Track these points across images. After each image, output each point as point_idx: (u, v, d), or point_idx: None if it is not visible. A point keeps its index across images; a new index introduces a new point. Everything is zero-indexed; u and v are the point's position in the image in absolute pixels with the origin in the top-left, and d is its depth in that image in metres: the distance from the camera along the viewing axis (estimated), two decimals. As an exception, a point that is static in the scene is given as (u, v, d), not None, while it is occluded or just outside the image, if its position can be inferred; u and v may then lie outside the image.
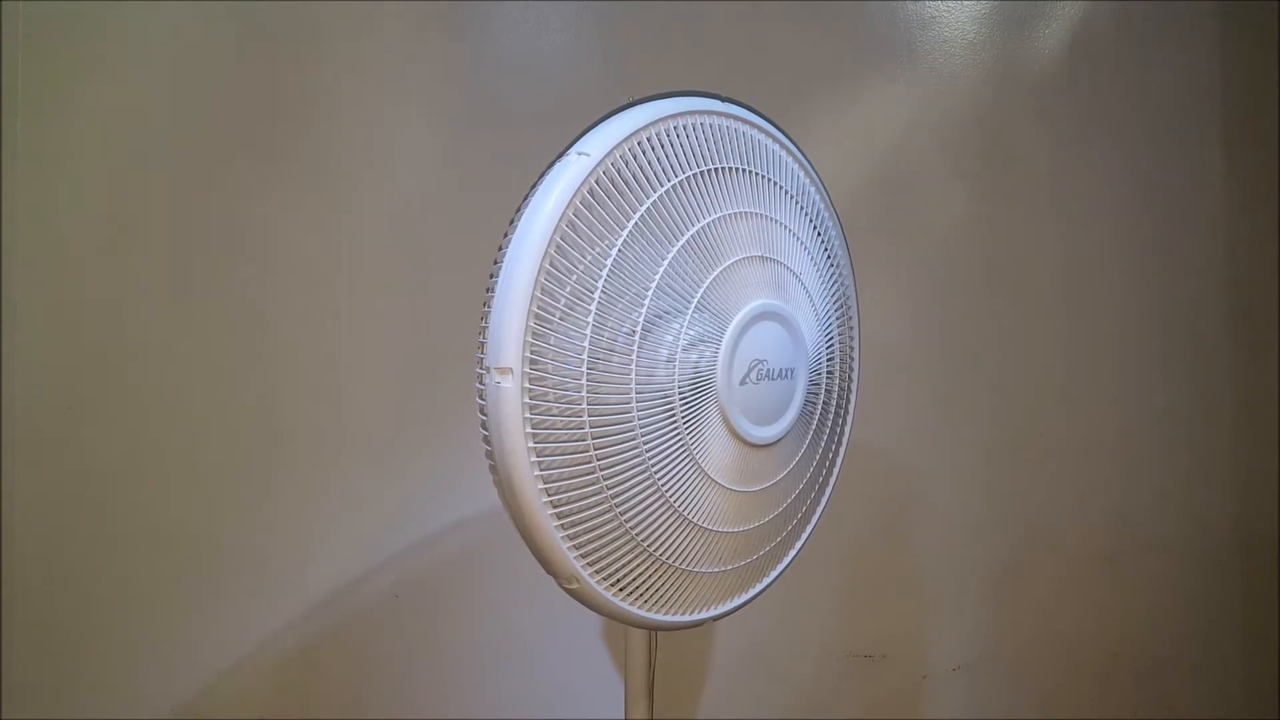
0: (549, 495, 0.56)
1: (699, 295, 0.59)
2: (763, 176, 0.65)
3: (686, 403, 0.59)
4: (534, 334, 0.54)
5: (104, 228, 1.17)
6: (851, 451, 1.10)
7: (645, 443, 0.57)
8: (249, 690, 1.18)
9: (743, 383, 0.60)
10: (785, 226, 0.65)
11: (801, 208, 0.67)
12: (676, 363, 0.58)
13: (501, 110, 1.09)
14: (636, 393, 0.57)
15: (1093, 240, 1.10)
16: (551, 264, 0.55)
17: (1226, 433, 1.11)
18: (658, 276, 0.57)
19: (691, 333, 0.58)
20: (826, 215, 0.71)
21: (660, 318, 0.58)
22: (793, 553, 0.73)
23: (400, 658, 1.17)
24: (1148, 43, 1.08)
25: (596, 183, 0.57)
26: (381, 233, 1.14)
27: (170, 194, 1.16)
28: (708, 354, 0.59)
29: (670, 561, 0.62)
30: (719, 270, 0.60)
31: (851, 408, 0.76)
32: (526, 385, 0.54)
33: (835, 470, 0.76)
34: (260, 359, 1.16)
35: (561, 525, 0.57)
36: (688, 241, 0.59)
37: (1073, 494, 1.12)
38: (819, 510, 0.76)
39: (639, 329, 0.56)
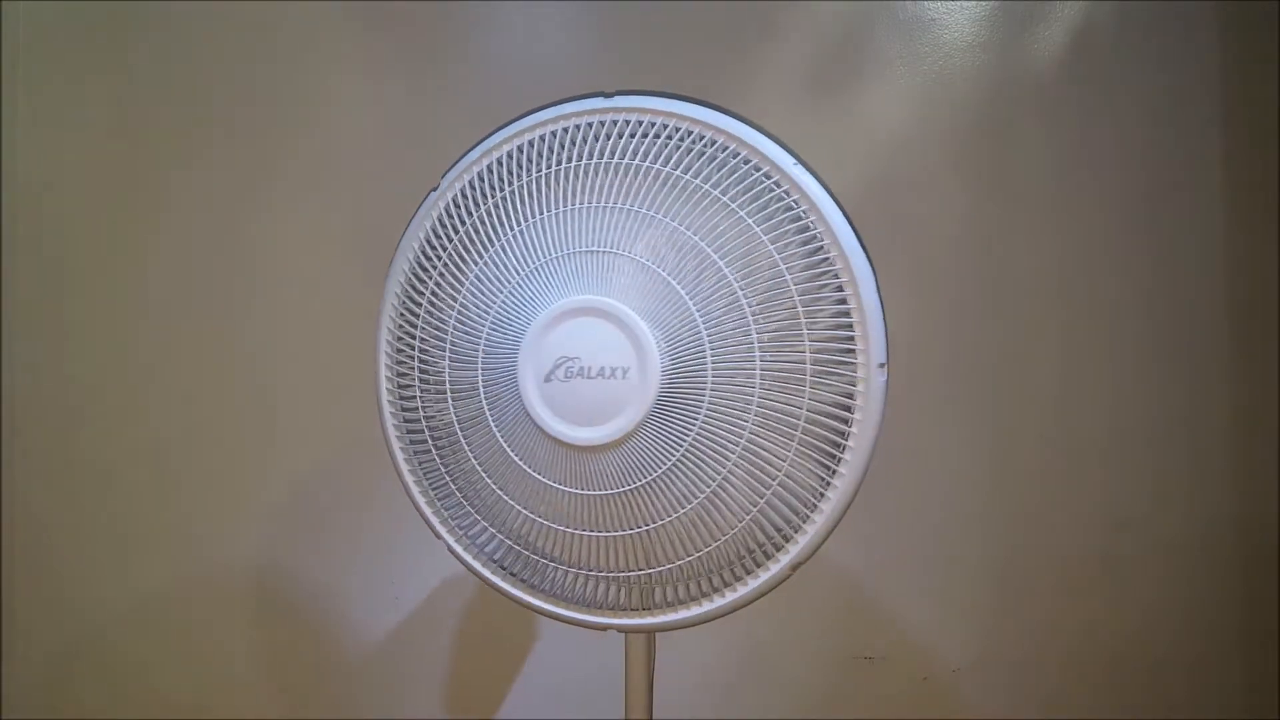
0: (409, 467, 0.68)
1: (505, 294, 0.63)
2: (635, 166, 0.61)
3: (492, 398, 0.63)
4: (393, 335, 0.68)
5: (103, 228, 1.17)
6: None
7: (463, 432, 0.65)
8: (248, 689, 1.18)
9: (548, 380, 0.60)
10: (657, 216, 0.60)
11: (706, 190, 0.60)
12: (480, 358, 0.63)
13: (503, 111, 1.09)
14: (451, 385, 0.65)
15: (1093, 239, 1.10)
16: (408, 280, 0.68)
17: (1226, 432, 1.11)
18: (468, 281, 0.64)
19: (497, 329, 0.63)
20: (791, 195, 0.60)
21: (483, 315, 0.64)
22: (737, 594, 0.63)
23: (399, 657, 1.17)
24: (1148, 43, 1.08)
25: (445, 210, 0.66)
26: (381, 233, 1.14)
27: (170, 193, 1.16)
28: (509, 350, 0.62)
29: (530, 553, 0.65)
30: (531, 268, 0.62)
31: (860, 444, 0.60)
32: (387, 375, 0.68)
33: (823, 506, 0.61)
34: (261, 359, 1.16)
35: (424, 496, 0.68)
36: (504, 246, 0.64)
37: (1072, 494, 1.12)
38: (787, 556, 0.61)
39: (450, 328, 0.65)
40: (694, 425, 0.60)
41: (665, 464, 0.60)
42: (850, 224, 0.61)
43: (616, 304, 0.59)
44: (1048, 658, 1.13)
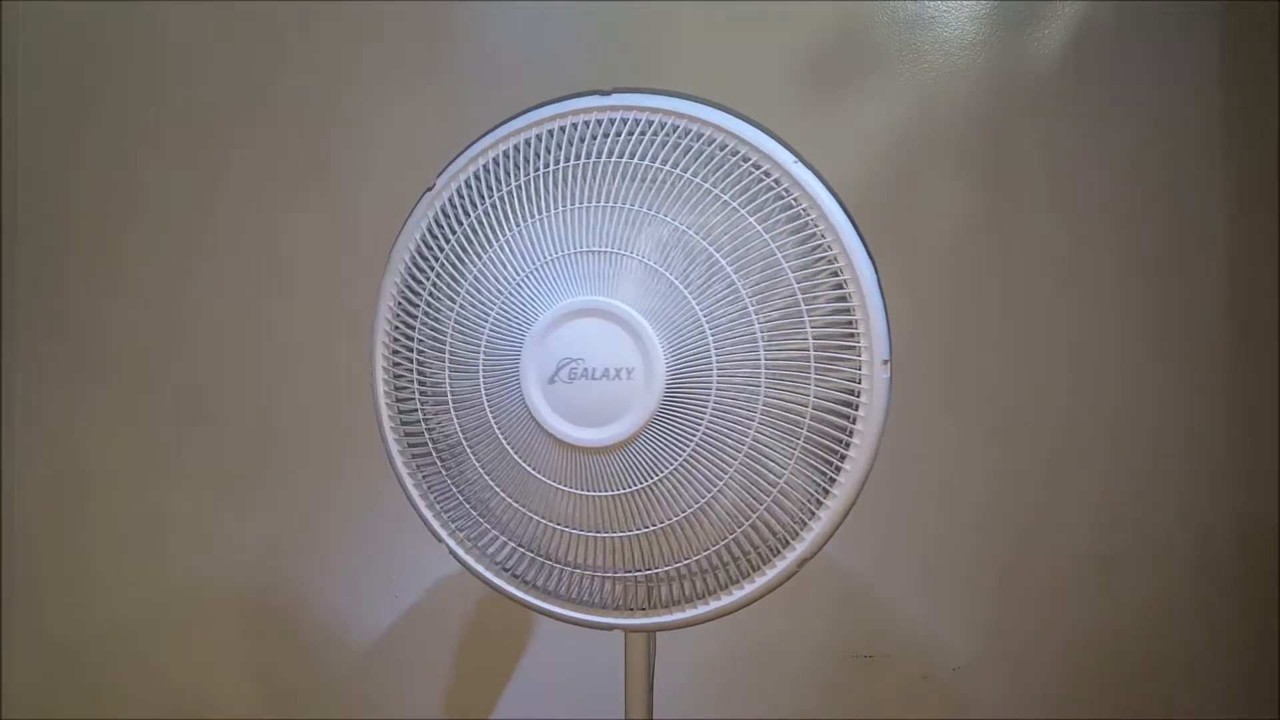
0: (414, 480, 0.67)
1: (505, 296, 0.63)
2: (634, 165, 0.61)
3: (495, 403, 0.62)
4: (389, 342, 0.67)
5: (104, 228, 1.17)
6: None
7: (468, 442, 0.64)
8: (248, 689, 1.18)
9: (552, 381, 0.60)
10: (657, 215, 0.60)
11: (706, 188, 0.60)
12: (480, 362, 0.63)
13: (504, 111, 1.09)
14: (452, 395, 0.64)
15: (1093, 239, 1.10)
16: (404, 283, 0.67)
17: (1226, 432, 1.11)
18: (466, 284, 0.64)
19: (497, 332, 0.63)
20: (792, 193, 0.60)
21: (483, 318, 0.63)
22: (743, 591, 0.63)
23: (399, 657, 1.17)
24: (1148, 42, 1.08)
25: (442, 210, 0.65)
26: (381, 232, 1.14)
27: (170, 193, 1.16)
28: (509, 353, 0.62)
29: (536, 555, 0.65)
30: (531, 268, 0.62)
31: (865, 442, 0.60)
32: (385, 387, 0.68)
33: (828, 503, 0.61)
34: (262, 358, 1.16)
35: (424, 496, 0.68)
36: (502, 246, 0.63)
37: (1073, 493, 1.12)
38: (793, 554, 0.61)
39: (449, 333, 0.64)
40: (700, 425, 0.60)
41: (671, 464, 0.60)
42: (853, 223, 0.61)
43: (620, 305, 0.59)
44: (1048, 658, 1.13)
